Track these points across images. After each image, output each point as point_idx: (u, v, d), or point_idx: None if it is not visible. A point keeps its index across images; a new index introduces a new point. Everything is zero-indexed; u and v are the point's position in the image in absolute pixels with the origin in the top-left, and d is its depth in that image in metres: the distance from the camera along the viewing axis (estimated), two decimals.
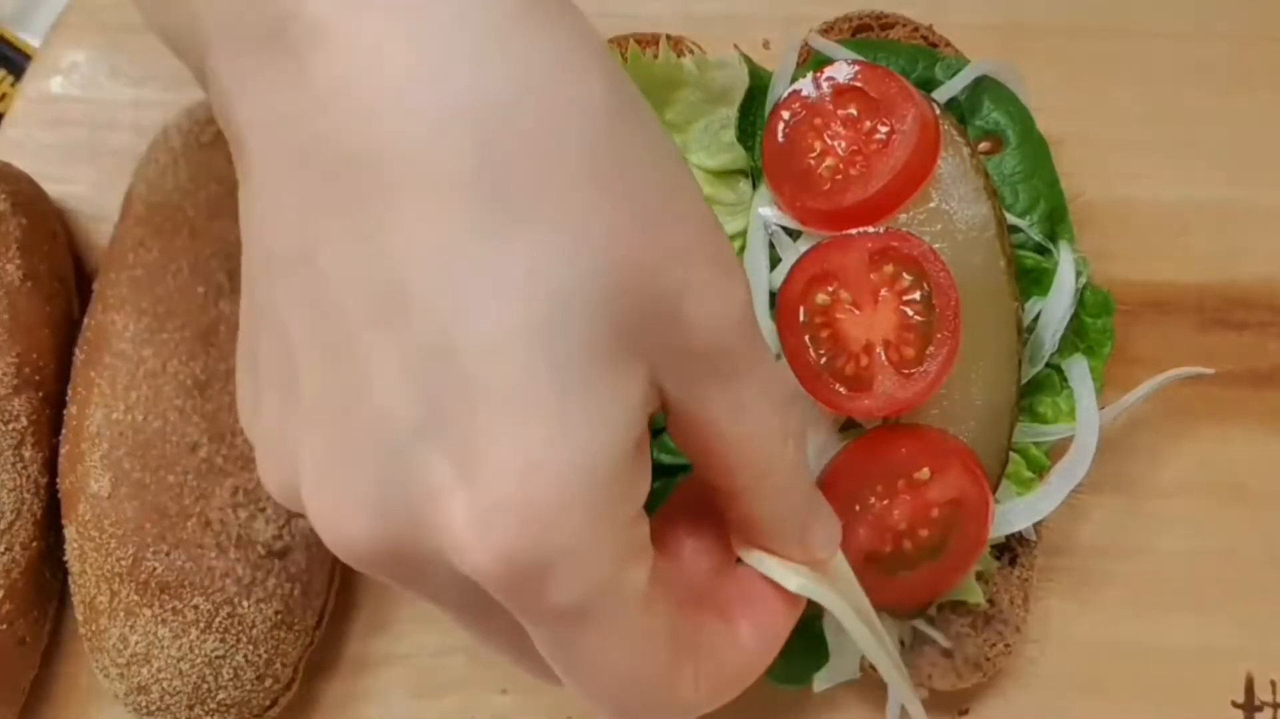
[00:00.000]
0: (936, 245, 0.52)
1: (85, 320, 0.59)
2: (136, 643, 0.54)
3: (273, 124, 0.32)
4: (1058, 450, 0.56)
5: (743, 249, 0.56)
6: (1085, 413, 0.55)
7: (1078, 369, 0.56)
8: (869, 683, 0.56)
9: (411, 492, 0.31)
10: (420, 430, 0.30)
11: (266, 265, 0.33)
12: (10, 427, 0.56)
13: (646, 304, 0.32)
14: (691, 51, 0.59)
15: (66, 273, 0.61)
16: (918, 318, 0.51)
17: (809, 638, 0.54)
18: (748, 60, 0.58)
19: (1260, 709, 0.58)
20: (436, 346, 0.30)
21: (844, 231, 0.53)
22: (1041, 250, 0.56)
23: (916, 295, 0.51)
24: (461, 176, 0.30)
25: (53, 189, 0.63)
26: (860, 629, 0.43)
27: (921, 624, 0.55)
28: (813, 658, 0.55)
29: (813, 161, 0.54)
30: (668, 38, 0.58)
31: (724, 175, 0.57)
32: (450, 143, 0.30)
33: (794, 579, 0.39)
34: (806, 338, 0.52)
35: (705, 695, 0.36)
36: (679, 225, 0.33)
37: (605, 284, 0.31)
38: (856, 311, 0.52)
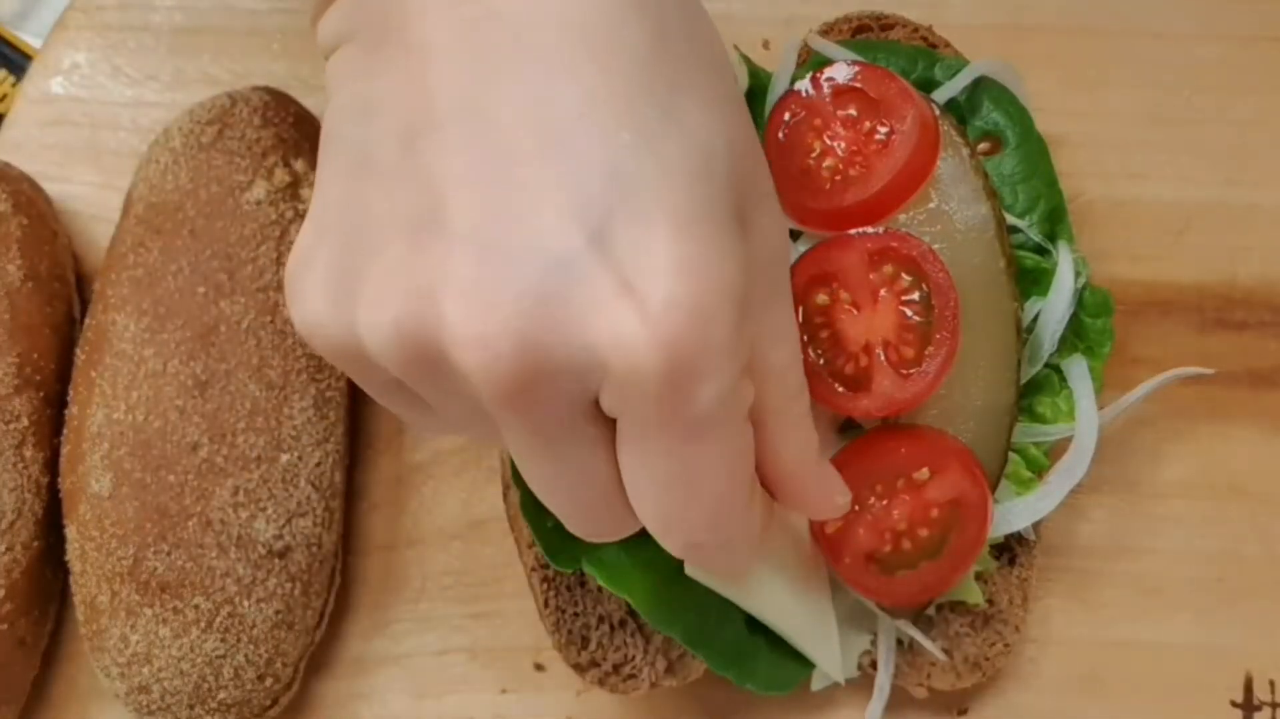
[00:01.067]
0: (936, 246, 0.52)
1: (86, 320, 0.59)
2: (137, 642, 0.54)
3: None
4: (1057, 450, 0.56)
5: None
6: (1084, 413, 0.55)
7: (1077, 369, 0.56)
8: (866, 682, 0.56)
9: (571, 297, 0.34)
10: (587, 245, 0.34)
11: (423, 118, 0.36)
12: (11, 426, 0.56)
13: (745, 192, 0.38)
14: None
15: (67, 273, 0.62)
16: (917, 318, 0.51)
17: (785, 643, 0.55)
18: (747, 60, 0.58)
19: (1259, 709, 0.58)
20: (610, 172, 0.34)
21: (843, 232, 0.53)
22: (1041, 250, 0.56)
23: (916, 296, 0.51)
24: (639, 44, 0.35)
25: (53, 189, 0.64)
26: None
27: (915, 632, 0.55)
28: (798, 663, 0.55)
29: (812, 162, 0.54)
30: None
31: None
32: (631, 20, 0.36)
33: None
34: (806, 338, 0.52)
35: (764, 536, 0.42)
36: (763, 153, 0.40)
37: (739, 154, 0.37)
38: (856, 312, 0.52)
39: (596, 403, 0.36)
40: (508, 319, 0.34)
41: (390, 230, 0.35)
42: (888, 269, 0.52)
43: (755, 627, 0.54)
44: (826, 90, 0.55)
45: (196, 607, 0.54)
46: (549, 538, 0.52)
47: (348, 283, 0.36)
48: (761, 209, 0.39)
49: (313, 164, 0.55)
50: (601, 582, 0.52)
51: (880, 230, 0.52)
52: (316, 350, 0.38)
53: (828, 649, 0.54)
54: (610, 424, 0.37)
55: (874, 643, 0.56)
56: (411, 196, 0.35)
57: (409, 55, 0.36)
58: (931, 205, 0.54)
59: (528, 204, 0.34)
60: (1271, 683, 0.58)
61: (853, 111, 0.54)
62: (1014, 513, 0.55)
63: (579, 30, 0.35)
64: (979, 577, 0.56)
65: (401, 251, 0.35)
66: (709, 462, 0.37)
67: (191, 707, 0.55)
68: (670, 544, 0.40)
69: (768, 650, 0.54)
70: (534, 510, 0.52)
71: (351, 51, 0.39)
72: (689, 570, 0.50)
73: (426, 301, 0.34)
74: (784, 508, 0.45)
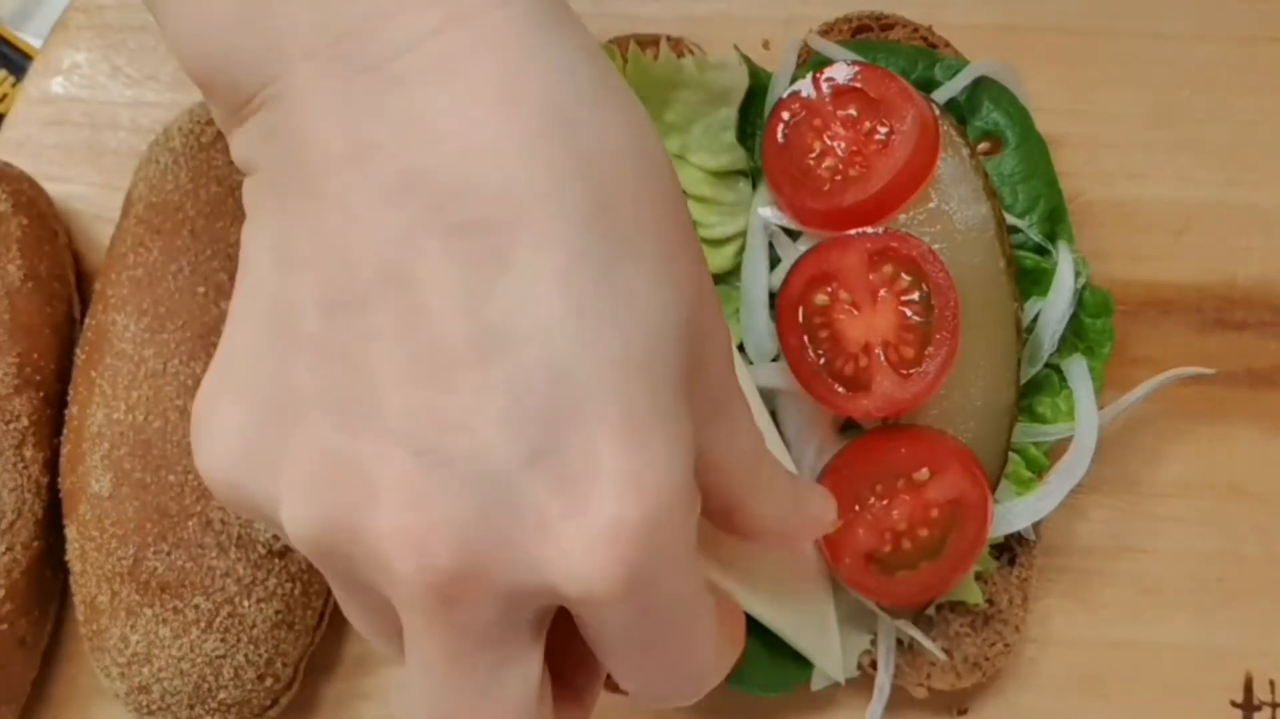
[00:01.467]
0: (936, 246, 0.52)
1: (86, 320, 0.59)
2: (137, 642, 0.54)
3: (366, 150, 0.32)
4: (1057, 450, 0.56)
5: (742, 249, 0.57)
6: (1084, 413, 0.55)
7: (1077, 369, 0.56)
8: (866, 682, 0.56)
9: (515, 518, 0.32)
10: (529, 460, 0.32)
11: (346, 291, 0.33)
12: (11, 427, 0.56)
13: (698, 353, 0.35)
14: (692, 52, 0.59)
15: (67, 273, 0.62)
16: (917, 318, 0.51)
17: (781, 644, 0.55)
18: (747, 61, 0.58)
19: (1259, 709, 0.58)
20: (551, 375, 0.32)
21: (843, 232, 0.53)
22: (1041, 251, 0.56)
23: (915, 296, 0.51)
24: (578, 218, 0.32)
25: (54, 189, 0.63)
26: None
27: (915, 632, 0.55)
28: (796, 665, 0.55)
29: (812, 162, 0.54)
30: (668, 39, 0.58)
31: (724, 176, 0.57)
32: (570, 187, 0.32)
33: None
34: (806, 338, 0.52)
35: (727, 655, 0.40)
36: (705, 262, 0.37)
37: (688, 319, 0.34)
38: (855, 312, 0.52)
39: (534, 617, 0.34)
40: (449, 524, 0.32)
41: (315, 407, 0.33)
42: (887, 269, 0.52)
43: (750, 629, 0.54)
44: (826, 90, 0.55)
45: (196, 607, 0.54)
46: None
47: (265, 450, 0.34)
48: (711, 356, 0.36)
49: None
50: None
51: (880, 230, 0.52)
52: (220, 500, 0.36)
53: (828, 649, 0.54)
54: (541, 640, 0.35)
55: (874, 643, 0.56)
56: (339, 376, 0.33)
57: (324, 211, 0.33)
58: (931, 205, 0.54)
59: (467, 410, 0.32)
60: (1271, 683, 0.58)
61: (853, 112, 0.54)
62: (1014, 513, 0.55)
63: (523, 204, 0.32)
64: (979, 577, 0.56)
65: (329, 434, 0.33)
66: (683, 641, 0.36)
67: (192, 707, 0.55)
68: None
69: (762, 653, 0.54)
70: None
71: (264, 184, 0.35)
72: None
73: (361, 496, 0.33)
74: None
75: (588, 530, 0.32)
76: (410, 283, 0.32)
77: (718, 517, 0.40)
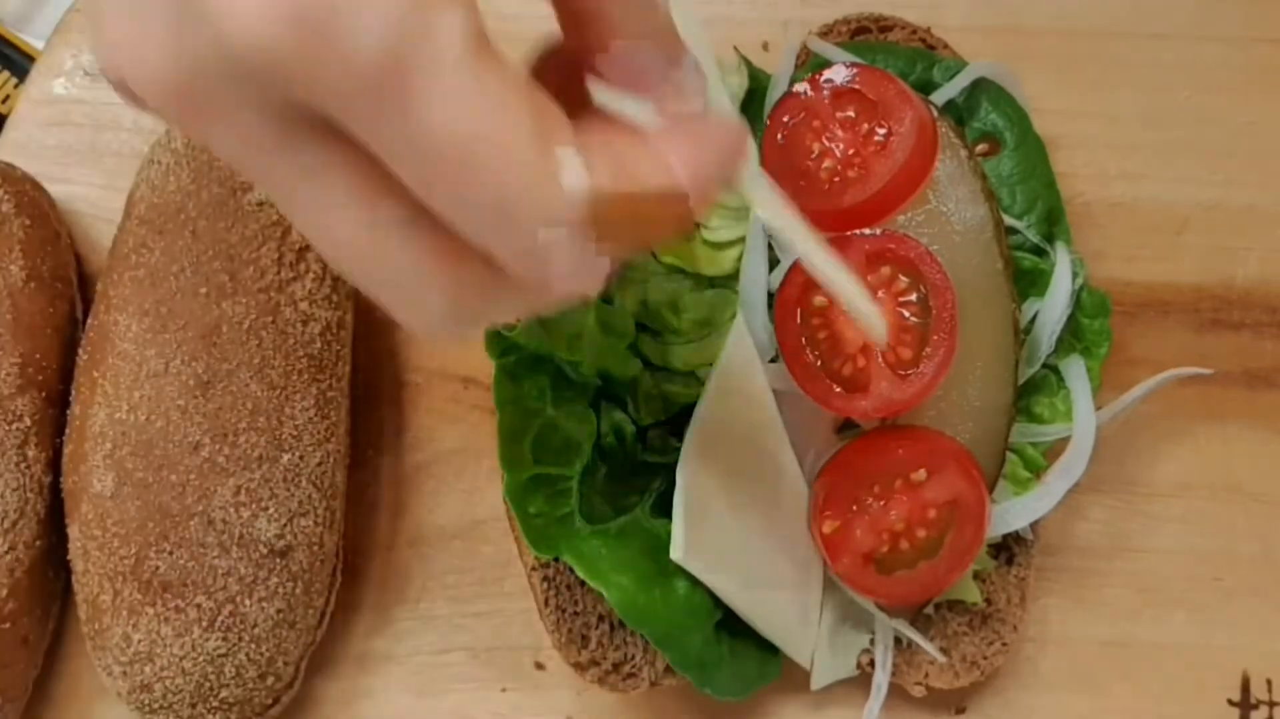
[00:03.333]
0: (934, 247, 0.52)
1: (88, 321, 0.59)
2: (139, 641, 0.54)
3: None
4: (1055, 450, 0.56)
5: (743, 252, 0.57)
6: (1082, 413, 0.55)
7: (1075, 369, 0.56)
8: (865, 681, 0.56)
9: None
10: None
11: None
12: (14, 426, 0.56)
13: None
14: None
15: (69, 273, 0.62)
16: (914, 319, 0.51)
17: (749, 651, 0.55)
18: (747, 62, 0.58)
19: (1256, 707, 0.58)
20: None
21: (842, 233, 0.53)
22: (1039, 251, 0.57)
23: (913, 297, 0.52)
24: None
25: (56, 190, 0.64)
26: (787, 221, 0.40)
27: (912, 632, 0.55)
28: (755, 670, 0.55)
29: (811, 163, 0.55)
30: None
31: None
32: None
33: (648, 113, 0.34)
34: (804, 339, 0.53)
35: (612, 198, 0.31)
36: None
37: None
38: None
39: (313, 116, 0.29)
40: (143, 29, 0.29)
41: None
42: (885, 270, 0.52)
43: (722, 633, 0.55)
44: (825, 92, 0.55)
45: (198, 605, 0.54)
46: (530, 524, 0.52)
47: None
48: None
49: None
50: (579, 572, 0.52)
51: (878, 232, 0.53)
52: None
53: (801, 636, 0.55)
54: (340, 141, 0.29)
55: (872, 642, 0.56)
56: None
57: None
58: (930, 206, 0.54)
59: None
60: (1268, 682, 0.58)
61: (851, 113, 0.54)
62: (1012, 513, 0.55)
63: None
64: (977, 576, 0.56)
65: None
66: (430, 113, 0.28)
67: (193, 705, 0.55)
68: (512, 268, 0.31)
69: (729, 658, 0.54)
70: (517, 495, 0.52)
71: None
72: None
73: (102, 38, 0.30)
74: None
75: None
76: None
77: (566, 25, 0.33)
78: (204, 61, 0.29)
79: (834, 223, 0.54)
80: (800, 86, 0.55)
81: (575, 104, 0.33)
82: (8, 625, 0.56)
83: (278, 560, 0.55)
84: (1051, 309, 0.55)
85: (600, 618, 0.56)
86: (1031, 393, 0.56)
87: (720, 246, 0.57)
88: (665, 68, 0.34)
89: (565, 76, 0.35)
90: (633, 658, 0.55)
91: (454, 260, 0.31)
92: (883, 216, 0.53)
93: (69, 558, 0.57)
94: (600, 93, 0.34)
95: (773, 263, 0.56)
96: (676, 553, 0.51)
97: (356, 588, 0.61)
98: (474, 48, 0.29)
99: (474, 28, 0.29)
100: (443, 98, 0.28)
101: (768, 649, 0.55)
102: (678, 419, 0.54)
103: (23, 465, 0.56)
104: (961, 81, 0.57)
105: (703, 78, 0.35)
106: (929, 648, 0.55)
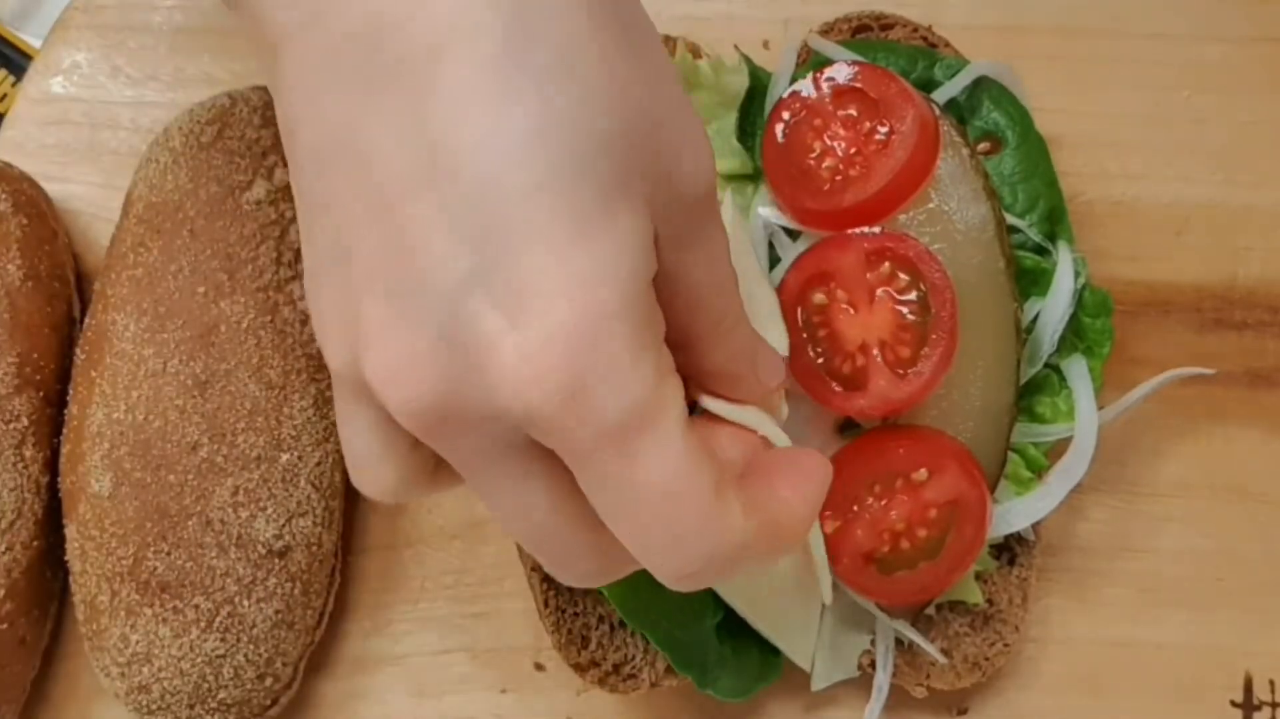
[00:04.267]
0: (935, 246, 0.52)
1: (86, 320, 0.59)
2: (137, 642, 0.54)
3: (308, 20, 0.34)
4: (1056, 450, 0.56)
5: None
6: (1084, 413, 0.55)
7: (1076, 369, 0.56)
8: (866, 682, 0.56)
9: (466, 340, 0.32)
10: (468, 280, 0.32)
11: (312, 155, 0.35)
12: (11, 426, 0.56)
13: (651, 151, 0.34)
14: (707, 55, 0.59)
15: (67, 273, 0.62)
16: (914, 318, 0.51)
17: (750, 652, 0.55)
18: (748, 61, 0.58)
19: (1259, 708, 0.58)
20: (479, 198, 0.32)
21: (842, 231, 0.53)
22: (1040, 251, 0.56)
23: (913, 295, 0.51)
24: (493, 44, 0.32)
25: (53, 189, 0.64)
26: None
27: (913, 633, 0.55)
28: (756, 671, 0.55)
29: (812, 162, 0.54)
30: (685, 41, 0.59)
31: (734, 180, 0.57)
32: (481, 15, 0.33)
33: (751, 415, 0.40)
34: (804, 337, 0.52)
35: (756, 532, 0.36)
36: (675, 85, 0.36)
37: (620, 130, 0.33)
38: (853, 311, 0.52)
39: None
40: (415, 365, 0.33)
41: (325, 253, 0.35)
42: (885, 268, 0.52)
43: (723, 634, 0.54)
44: (826, 90, 0.55)
45: (196, 606, 0.54)
46: None
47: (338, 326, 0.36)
48: (689, 145, 0.36)
49: None
50: None
51: (878, 230, 0.52)
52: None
53: (802, 638, 0.54)
54: (549, 460, 0.35)
55: (873, 643, 0.56)
56: (325, 224, 0.35)
57: (282, 76, 0.36)
58: (931, 205, 0.54)
59: (410, 239, 0.33)
60: (1271, 682, 0.58)
61: (852, 112, 0.54)
62: (1013, 513, 0.55)
63: (439, 38, 0.33)
64: (979, 576, 0.56)
65: (333, 280, 0.35)
66: (645, 466, 0.34)
67: (191, 706, 0.55)
68: (663, 578, 0.36)
69: (730, 659, 0.54)
70: None
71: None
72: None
73: (353, 347, 0.34)
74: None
75: (526, 342, 0.32)
76: (352, 133, 0.34)
77: (671, 352, 0.38)
78: (469, 403, 0.33)
79: (835, 221, 0.54)
80: (801, 85, 0.55)
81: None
82: (5, 626, 0.55)
83: (276, 561, 0.55)
84: (1053, 308, 0.55)
85: (600, 619, 0.56)
86: (1033, 392, 0.56)
87: None
88: (753, 362, 0.40)
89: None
90: (633, 659, 0.55)
91: (611, 546, 0.36)
92: (884, 215, 0.53)
93: (66, 558, 0.57)
94: (710, 403, 0.40)
95: (774, 260, 0.56)
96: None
97: (355, 588, 0.60)
98: (685, 420, 0.35)
99: (683, 404, 0.35)
100: (661, 452, 0.34)
101: (768, 650, 0.55)
102: None
103: (20, 465, 0.56)
104: (963, 80, 0.57)
105: (780, 363, 0.42)
106: (930, 649, 0.55)
